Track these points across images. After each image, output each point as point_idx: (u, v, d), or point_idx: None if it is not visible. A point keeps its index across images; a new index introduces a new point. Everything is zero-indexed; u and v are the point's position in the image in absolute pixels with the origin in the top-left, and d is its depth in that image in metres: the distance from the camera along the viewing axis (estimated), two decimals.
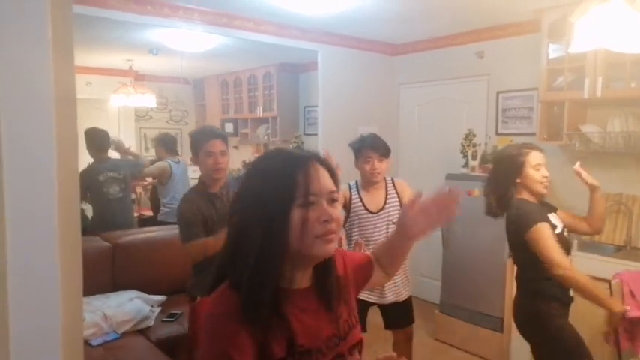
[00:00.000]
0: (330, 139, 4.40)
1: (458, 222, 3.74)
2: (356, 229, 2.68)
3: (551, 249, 2.01)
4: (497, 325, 3.49)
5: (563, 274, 1.98)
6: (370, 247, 2.51)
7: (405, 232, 1.14)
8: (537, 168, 2.13)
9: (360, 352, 1.08)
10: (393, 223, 2.71)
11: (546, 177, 2.14)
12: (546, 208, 2.22)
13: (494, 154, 2.38)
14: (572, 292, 2.12)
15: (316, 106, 4.62)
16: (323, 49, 4.31)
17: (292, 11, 3.50)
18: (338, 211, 0.97)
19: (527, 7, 3.31)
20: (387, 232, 2.65)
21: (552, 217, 2.19)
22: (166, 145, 4.70)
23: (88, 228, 3.74)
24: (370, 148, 2.61)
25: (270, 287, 0.91)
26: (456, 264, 3.79)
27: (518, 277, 2.28)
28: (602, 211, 2.29)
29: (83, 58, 5.33)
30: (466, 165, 3.90)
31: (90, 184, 3.90)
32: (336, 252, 1.07)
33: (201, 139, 2.38)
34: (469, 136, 4.00)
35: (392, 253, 1.26)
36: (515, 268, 2.30)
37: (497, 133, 4.05)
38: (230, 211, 1.00)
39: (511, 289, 3.39)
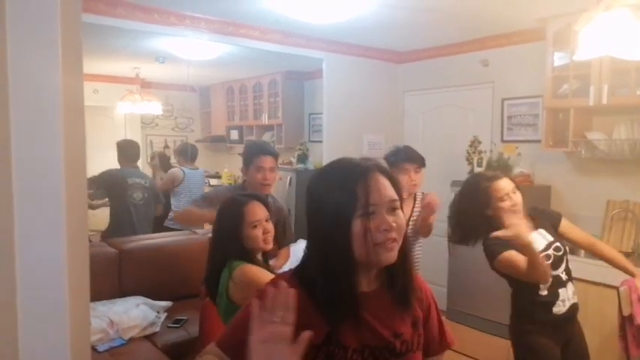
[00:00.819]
0: (334, 146, 4.41)
1: None
2: None
3: (516, 267, 1.95)
4: (505, 332, 3.45)
5: (524, 272, 1.94)
6: None
7: None
8: (504, 198, 2.05)
9: None
10: (412, 237, 2.69)
11: (516, 203, 2.05)
12: (538, 221, 2.15)
13: (461, 186, 2.29)
14: (561, 311, 2.08)
15: (321, 113, 4.65)
16: (328, 57, 4.33)
17: (298, 20, 3.52)
18: (400, 219, 0.99)
19: (531, 15, 3.32)
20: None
21: (539, 234, 2.11)
22: (184, 155, 4.93)
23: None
24: (406, 159, 2.58)
25: (345, 292, 0.97)
26: (462, 270, 3.77)
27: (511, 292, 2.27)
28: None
29: (90, 65, 5.39)
30: (472, 172, 3.89)
31: (113, 185, 3.98)
32: (421, 283, 1.16)
33: (254, 153, 2.45)
34: (474, 143, 4.00)
35: None
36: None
37: (502, 140, 4.05)
38: (307, 217, 1.06)
39: None
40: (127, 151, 4.18)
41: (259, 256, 1.81)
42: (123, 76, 6.07)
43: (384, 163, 1.11)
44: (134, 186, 4.04)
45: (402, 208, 1.02)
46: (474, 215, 2.11)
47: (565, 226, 2.21)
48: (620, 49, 1.76)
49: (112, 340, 2.77)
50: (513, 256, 1.97)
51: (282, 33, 3.93)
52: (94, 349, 2.62)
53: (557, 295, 2.06)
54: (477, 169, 3.81)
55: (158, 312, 3.09)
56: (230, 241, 1.75)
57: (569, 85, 3.29)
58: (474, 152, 3.95)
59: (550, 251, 2.08)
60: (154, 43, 4.32)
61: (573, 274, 2.18)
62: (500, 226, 1.98)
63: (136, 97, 5.67)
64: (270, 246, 1.81)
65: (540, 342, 2.06)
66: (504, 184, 2.08)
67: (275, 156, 2.50)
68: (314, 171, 1.09)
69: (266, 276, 1.66)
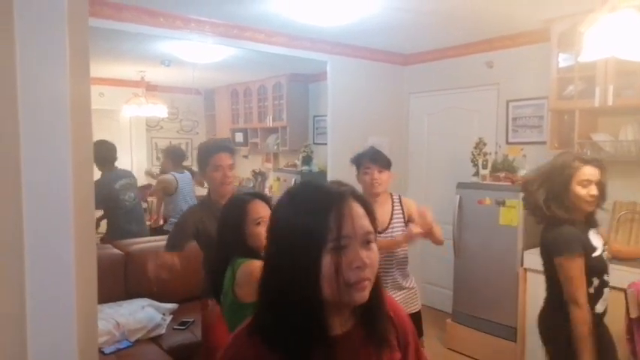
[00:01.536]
0: (339, 148, 4.42)
1: (469, 230, 3.73)
2: None
3: (576, 286, 1.94)
4: (511, 335, 3.46)
5: (575, 315, 1.94)
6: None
7: None
8: (585, 184, 1.99)
9: None
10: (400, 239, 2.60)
11: (593, 195, 2.00)
12: (589, 224, 2.12)
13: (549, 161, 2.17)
14: (600, 310, 2.05)
15: (326, 115, 4.65)
16: (333, 60, 4.34)
17: (303, 22, 3.53)
18: (374, 254, 0.89)
19: (536, 17, 3.32)
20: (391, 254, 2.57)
21: (593, 235, 2.09)
22: (174, 158, 4.82)
23: None
24: (369, 159, 2.60)
25: (302, 336, 0.85)
26: (468, 273, 3.77)
27: (546, 286, 2.22)
28: None
29: (96, 69, 5.42)
30: (477, 174, 3.89)
31: (106, 193, 3.94)
32: (402, 318, 1.04)
33: (207, 153, 2.36)
34: (479, 145, 3.99)
35: None
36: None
37: (507, 142, 4.04)
38: (265, 248, 0.95)
39: (524, 298, 3.37)
40: (102, 153, 3.96)
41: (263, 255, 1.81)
42: (128, 79, 6.11)
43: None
44: (123, 188, 4.05)
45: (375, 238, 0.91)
46: (553, 194, 2.03)
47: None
48: (626, 50, 1.76)
49: (119, 342, 2.79)
50: (575, 264, 1.94)
51: (287, 36, 3.95)
52: (100, 351, 2.63)
53: (601, 294, 2.04)
54: (482, 171, 3.81)
55: (164, 314, 3.11)
56: (233, 240, 1.75)
57: (575, 86, 3.28)
58: (478, 154, 3.95)
59: (604, 253, 2.07)
60: (160, 47, 4.34)
61: None
62: (567, 210, 1.99)
63: (141, 100, 5.71)
64: None
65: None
66: (592, 172, 2.01)
67: (231, 151, 2.40)
68: (285, 194, 0.95)
69: None
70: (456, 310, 3.87)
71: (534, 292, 3.30)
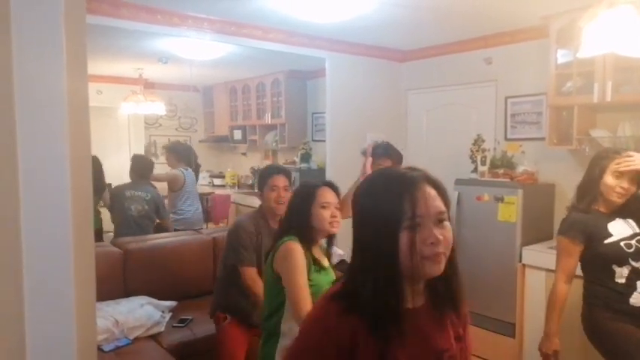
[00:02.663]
0: (338, 145, 4.42)
1: (467, 227, 3.73)
2: None
3: (558, 263, 2.17)
4: (510, 331, 3.47)
5: (553, 285, 2.18)
6: None
7: None
8: (618, 176, 2.06)
9: None
10: None
11: (624, 188, 2.06)
12: (617, 213, 2.14)
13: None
14: (639, 303, 2.05)
15: (324, 112, 4.65)
16: (331, 56, 4.33)
17: (301, 19, 3.52)
18: (448, 231, 0.99)
19: (535, 13, 3.31)
20: None
21: (617, 224, 2.11)
22: (175, 154, 4.78)
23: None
24: (383, 154, 2.63)
25: (393, 307, 0.96)
26: (466, 269, 3.71)
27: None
28: None
29: (94, 66, 5.40)
30: (475, 170, 3.89)
31: (115, 198, 4.15)
32: None
33: (266, 175, 2.53)
34: (478, 142, 4.00)
35: None
36: None
37: (506, 138, 4.04)
38: (353, 231, 1.05)
39: (522, 294, 3.38)
40: (135, 166, 4.32)
41: (323, 241, 1.92)
42: (126, 76, 6.08)
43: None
44: (132, 198, 4.11)
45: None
46: (588, 185, 2.17)
47: None
48: (624, 46, 1.76)
49: (118, 339, 2.78)
50: (561, 243, 2.17)
51: (285, 32, 3.94)
52: (99, 348, 2.63)
53: (634, 287, 2.04)
54: (481, 168, 3.81)
55: (163, 312, 3.11)
56: (299, 216, 1.85)
57: (573, 82, 3.28)
58: (477, 150, 3.95)
59: (633, 242, 2.07)
60: (157, 44, 4.33)
61: None
62: (593, 200, 2.12)
63: (139, 97, 5.69)
64: (336, 230, 1.90)
65: (618, 327, 2.03)
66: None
67: (287, 175, 2.58)
68: (363, 183, 1.11)
69: (301, 262, 1.75)
70: None
71: (533, 288, 3.31)
